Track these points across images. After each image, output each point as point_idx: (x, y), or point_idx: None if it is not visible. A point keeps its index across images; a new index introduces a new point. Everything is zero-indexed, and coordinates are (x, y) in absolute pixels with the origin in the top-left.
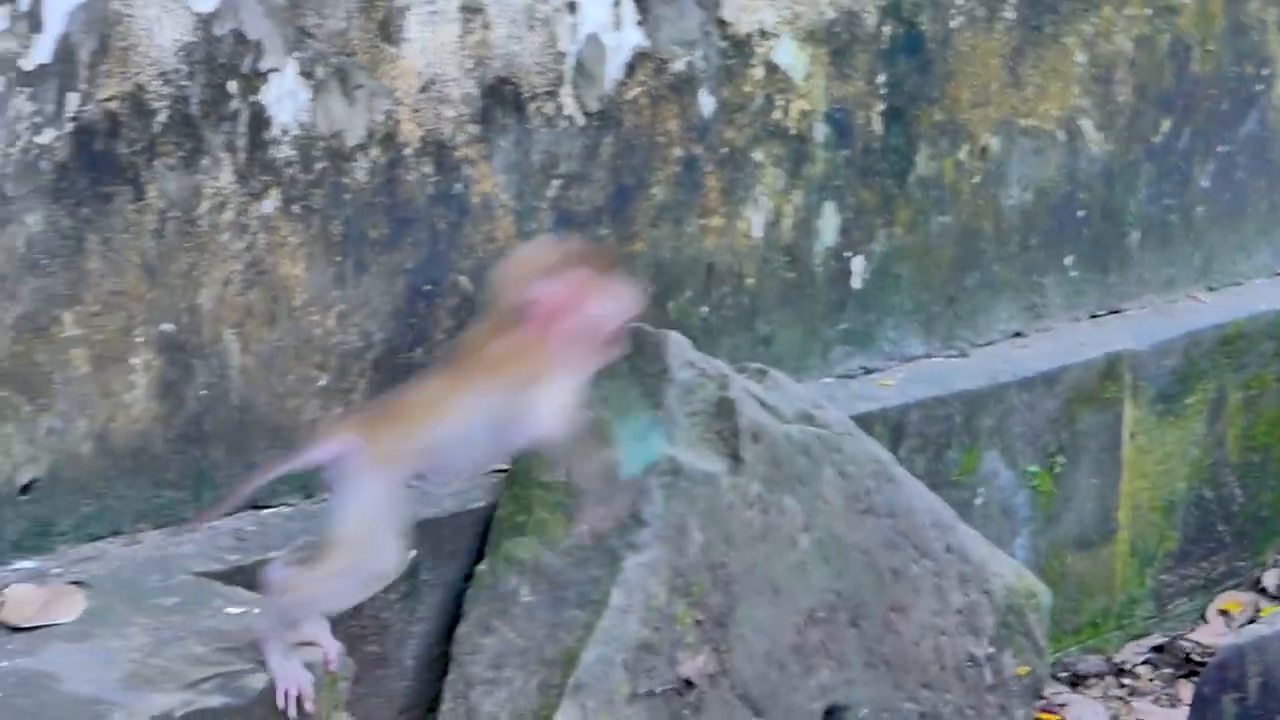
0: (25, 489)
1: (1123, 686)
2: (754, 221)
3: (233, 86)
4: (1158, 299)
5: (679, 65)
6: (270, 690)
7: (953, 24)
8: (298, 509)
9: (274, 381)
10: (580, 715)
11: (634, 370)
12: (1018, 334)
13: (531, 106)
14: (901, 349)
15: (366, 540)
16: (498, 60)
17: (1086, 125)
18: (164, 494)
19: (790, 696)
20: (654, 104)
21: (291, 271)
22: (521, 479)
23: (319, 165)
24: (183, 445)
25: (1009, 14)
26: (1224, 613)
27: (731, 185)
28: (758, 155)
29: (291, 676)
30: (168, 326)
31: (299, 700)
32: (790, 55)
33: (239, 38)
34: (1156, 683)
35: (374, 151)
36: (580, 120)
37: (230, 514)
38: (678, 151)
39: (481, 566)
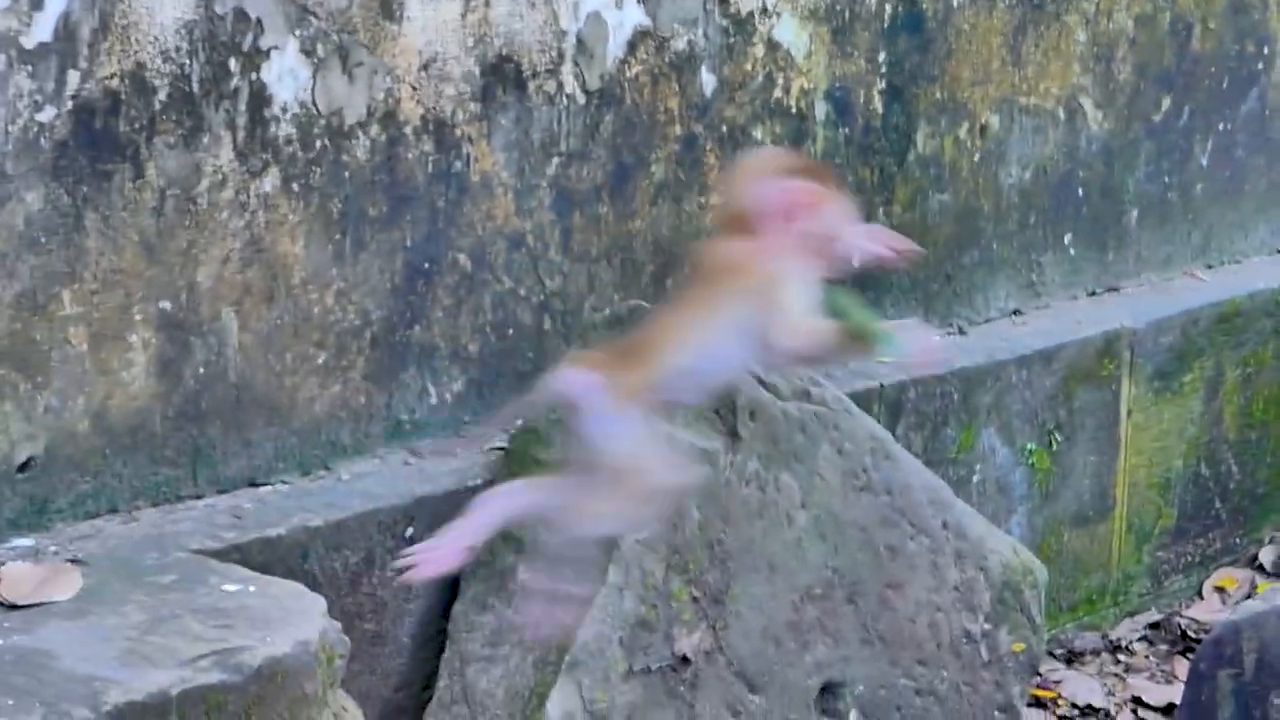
0: (23, 467)
1: (1118, 663)
2: None
3: (233, 64)
4: (1156, 277)
5: (680, 43)
6: (266, 666)
7: (954, 2)
8: (295, 486)
9: (272, 359)
10: (576, 692)
11: None
12: (1016, 312)
13: (532, 84)
14: None
15: (642, 465)
16: (499, 38)
17: (1086, 104)
18: (161, 472)
19: (786, 673)
20: (655, 82)
21: (290, 249)
22: (519, 457)
23: (319, 143)
24: (181, 423)
25: None
26: (1220, 589)
27: (732, 163)
28: (758, 133)
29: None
30: (166, 304)
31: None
32: (791, 33)
33: (240, 15)
34: (1152, 659)
35: (374, 129)
36: (581, 98)
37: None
38: (678, 130)
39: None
